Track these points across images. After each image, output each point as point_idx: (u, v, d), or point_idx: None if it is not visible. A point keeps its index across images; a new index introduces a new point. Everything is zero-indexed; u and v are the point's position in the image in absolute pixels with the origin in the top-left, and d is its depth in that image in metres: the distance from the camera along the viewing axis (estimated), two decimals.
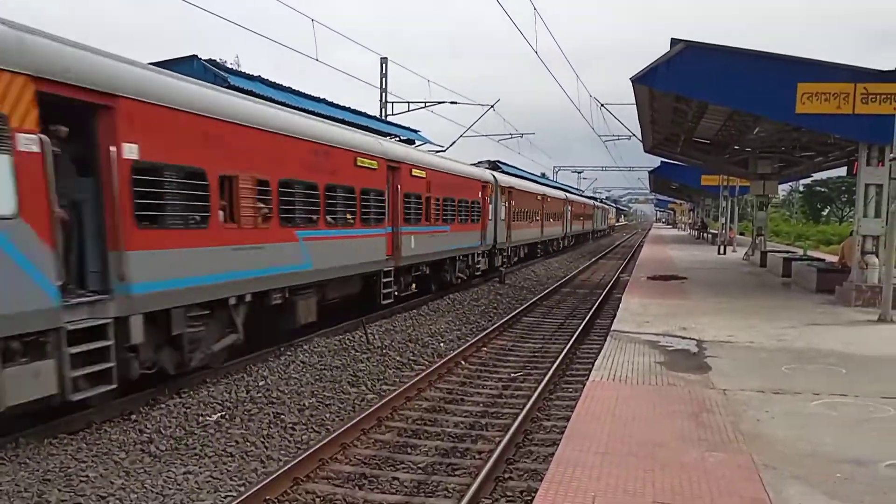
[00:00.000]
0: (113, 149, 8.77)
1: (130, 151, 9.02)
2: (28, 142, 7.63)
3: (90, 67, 8.60)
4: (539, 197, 38.66)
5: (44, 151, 7.77)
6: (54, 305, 7.91)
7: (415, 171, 19.43)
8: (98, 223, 8.96)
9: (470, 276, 25.59)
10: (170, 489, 7.15)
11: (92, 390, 8.40)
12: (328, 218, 14.37)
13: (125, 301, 8.97)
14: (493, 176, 29.02)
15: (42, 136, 7.79)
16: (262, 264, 12.02)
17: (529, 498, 6.67)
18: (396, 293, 18.50)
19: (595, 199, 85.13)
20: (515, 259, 34.07)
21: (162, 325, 9.88)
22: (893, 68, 14.16)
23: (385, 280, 17.49)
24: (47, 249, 7.84)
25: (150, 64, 10.60)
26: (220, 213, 10.95)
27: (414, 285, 20.19)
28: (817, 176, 54.34)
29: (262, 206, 11.97)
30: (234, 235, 11.26)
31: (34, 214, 7.69)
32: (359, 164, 15.80)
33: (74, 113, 8.56)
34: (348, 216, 15.37)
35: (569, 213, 48.65)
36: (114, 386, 8.69)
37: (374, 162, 16.68)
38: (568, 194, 52.27)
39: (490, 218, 27.69)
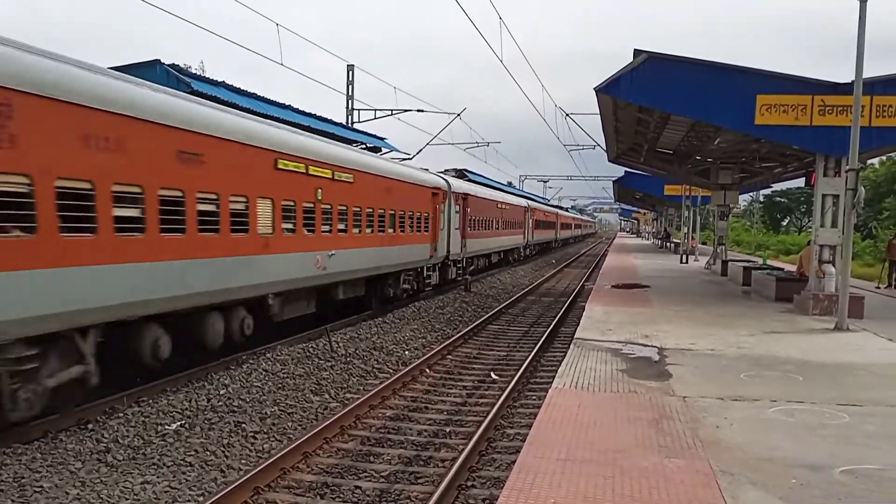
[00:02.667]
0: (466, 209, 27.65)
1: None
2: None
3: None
4: (544, 213, 58.66)
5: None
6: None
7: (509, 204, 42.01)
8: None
9: (516, 260, 44.23)
10: (126, 499, 7.02)
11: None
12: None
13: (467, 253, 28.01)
14: (528, 203, 48.11)
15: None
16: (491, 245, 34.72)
17: None
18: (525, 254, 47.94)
19: (573, 209, 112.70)
20: (534, 252, 53.32)
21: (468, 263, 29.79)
22: (849, 81, 14.47)
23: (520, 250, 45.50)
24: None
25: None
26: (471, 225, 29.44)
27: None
28: (777, 186, 55.37)
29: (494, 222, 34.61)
30: (479, 234, 30.92)
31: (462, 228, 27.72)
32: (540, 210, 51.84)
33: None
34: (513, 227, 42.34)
35: (559, 224, 70.64)
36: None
37: (518, 209, 43.32)
38: (559, 211, 76.83)
39: (527, 227, 46.54)
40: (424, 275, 23.51)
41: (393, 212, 19.92)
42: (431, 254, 23.64)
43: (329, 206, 15.90)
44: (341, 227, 16.65)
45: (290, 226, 14.20)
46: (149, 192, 9.97)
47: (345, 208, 16.74)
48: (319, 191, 15.29)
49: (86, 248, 8.93)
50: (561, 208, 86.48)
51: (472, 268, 30.47)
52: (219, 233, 11.70)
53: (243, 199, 12.46)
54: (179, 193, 10.65)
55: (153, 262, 10.08)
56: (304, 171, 14.58)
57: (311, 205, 15.02)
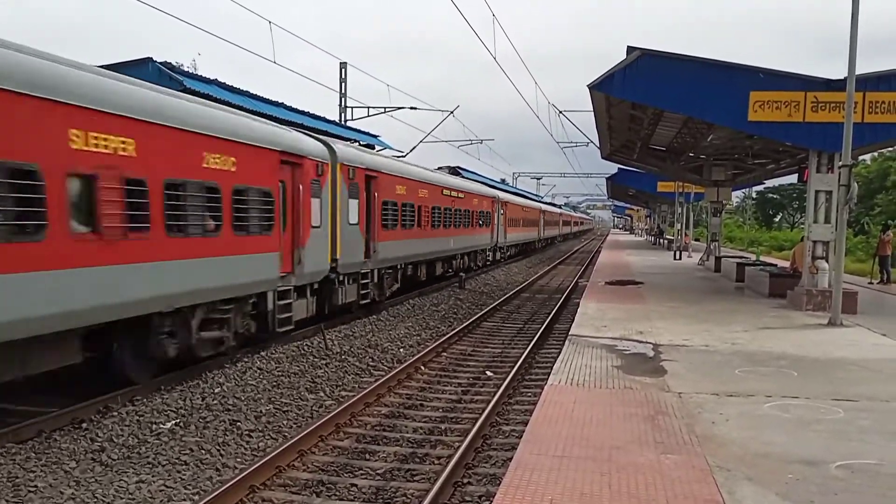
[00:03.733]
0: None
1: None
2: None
3: None
4: (523, 208, 53.30)
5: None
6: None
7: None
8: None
9: (479, 268, 36.19)
10: (121, 499, 6.99)
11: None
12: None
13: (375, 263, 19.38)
14: (496, 194, 40.71)
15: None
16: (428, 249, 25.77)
17: (488, 502, 6.67)
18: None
19: (567, 206, 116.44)
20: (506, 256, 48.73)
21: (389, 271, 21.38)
22: (841, 78, 14.51)
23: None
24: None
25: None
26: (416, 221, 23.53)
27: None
28: (770, 183, 55.51)
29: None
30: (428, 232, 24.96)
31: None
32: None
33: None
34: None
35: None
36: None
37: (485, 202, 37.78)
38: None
39: (496, 224, 39.79)
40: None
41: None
42: (284, 270, 13.86)
43: None
44: None
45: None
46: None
47: None
48: None
49: None
50: (553, 205, 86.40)
51: (395, 286, 21.65)
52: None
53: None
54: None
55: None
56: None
57: None
